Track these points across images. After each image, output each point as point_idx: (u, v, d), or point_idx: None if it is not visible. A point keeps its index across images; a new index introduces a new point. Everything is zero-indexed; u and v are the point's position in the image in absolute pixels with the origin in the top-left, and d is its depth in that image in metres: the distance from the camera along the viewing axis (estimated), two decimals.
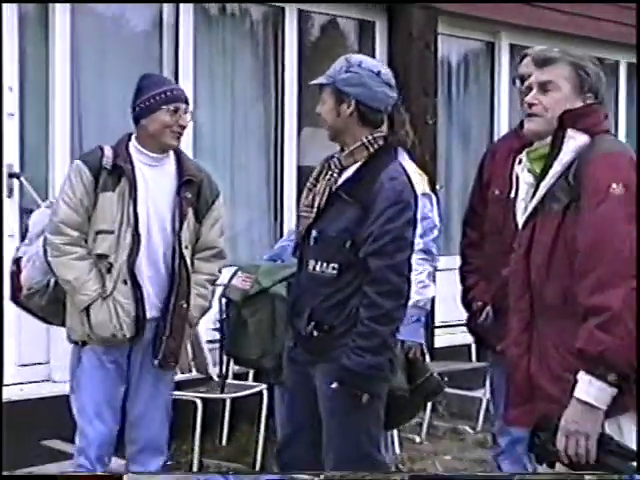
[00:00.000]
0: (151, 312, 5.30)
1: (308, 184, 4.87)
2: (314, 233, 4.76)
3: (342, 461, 4.79)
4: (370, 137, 4.75)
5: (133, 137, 5.35)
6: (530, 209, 3.98)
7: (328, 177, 4.76)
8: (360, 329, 4.66)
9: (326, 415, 4.80)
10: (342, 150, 4.80)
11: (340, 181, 4.77)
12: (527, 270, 3.94)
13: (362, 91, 4.72)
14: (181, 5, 7.88)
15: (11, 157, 7.04)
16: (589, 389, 3.64)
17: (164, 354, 5.31)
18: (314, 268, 4.76)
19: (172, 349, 5.33)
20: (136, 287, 5.23)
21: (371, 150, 4.77)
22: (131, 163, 5.26)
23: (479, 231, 5.49)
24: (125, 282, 5.21)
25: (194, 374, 7.14)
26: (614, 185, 3.69)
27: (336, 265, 4.71)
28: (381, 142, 4.79)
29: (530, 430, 3.95)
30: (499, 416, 5.43)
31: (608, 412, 3.67)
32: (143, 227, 5.25)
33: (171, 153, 5.40)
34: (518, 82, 5.15)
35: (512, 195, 4.24)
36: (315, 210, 4.77)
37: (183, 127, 5.34)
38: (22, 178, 7.04)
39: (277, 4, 8.51)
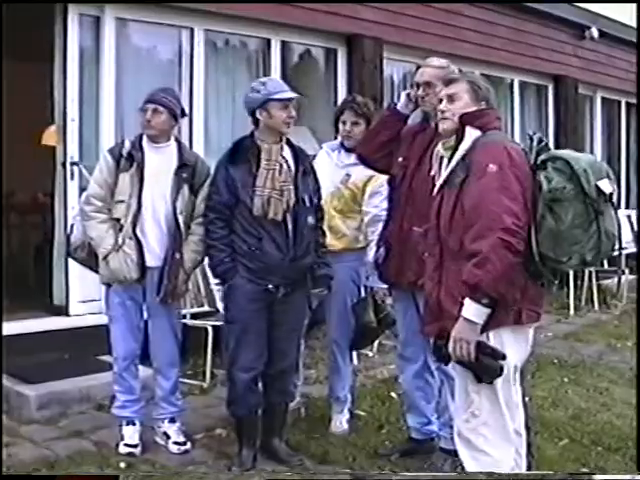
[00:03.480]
0: (155, 261, 5.31)
1: (271, 166, 4.99)
2: (306, 199, 5.06)
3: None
4: None
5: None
6: (440, 182, 4.08)
7: (281, 158, 5.04)
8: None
9: (295, 321, 5.22)
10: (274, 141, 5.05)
11: (292, 160, 5.10)
12: (438, 226, 4.03)
13: None
14: (195, 40, 7.91)
15: (73, 150, 7.14)
16: (469, 309, 3.77)
17: (164, 293, 5.32)
18: (311, 222, 5.11)
19: (168, 290, 5.32)
20: (138, 242, 5.26)
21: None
22: (142, 152, 5.29)
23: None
24: (130, 238, 5.24)
25: (206, 308, 7.09)
26: (491, 165, 3.80)
27: (314, 216, 5.16)
28: None
29: (433, 339, 4.11)
30: (400, 335, 5.44)
31: (488, 326, 3.83)
32: (147, 198, 5.26)
33: (173, 143, 5.42)
34: (415, 87, 5.01)
35: (433, 173, 4.35)
36: (293, 184, 5.01)
37: (148, 121, 5.32)
38: (81, 166, 7.09)
39: (265, 36, 8.53)
